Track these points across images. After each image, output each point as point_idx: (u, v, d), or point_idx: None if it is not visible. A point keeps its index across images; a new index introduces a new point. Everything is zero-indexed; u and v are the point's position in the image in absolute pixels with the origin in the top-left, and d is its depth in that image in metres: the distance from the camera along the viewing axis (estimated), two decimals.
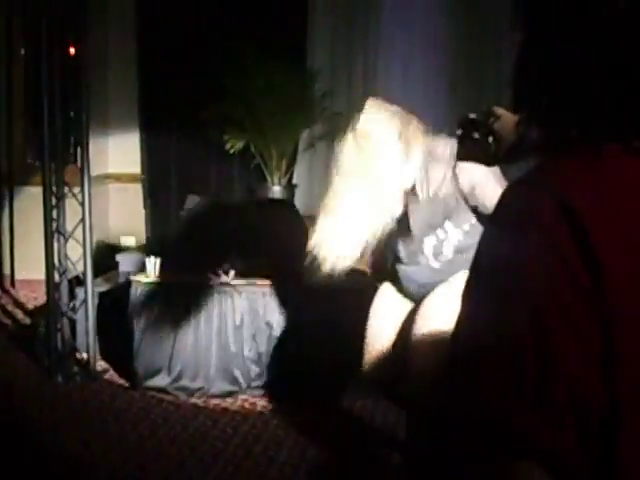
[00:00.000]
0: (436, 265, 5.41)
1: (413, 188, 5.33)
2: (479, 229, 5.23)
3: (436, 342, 5.14)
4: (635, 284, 1.29)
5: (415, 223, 5.35)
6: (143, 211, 10.55)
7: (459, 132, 2.64)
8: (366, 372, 5.75)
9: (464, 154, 2.65)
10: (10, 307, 9.49)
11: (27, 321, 8.93)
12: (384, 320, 5.65)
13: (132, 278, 7.33)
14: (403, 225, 5.37)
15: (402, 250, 5.49)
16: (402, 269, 5.55)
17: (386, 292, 5.71)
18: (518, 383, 1.28)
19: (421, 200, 5.31)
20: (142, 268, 7.36)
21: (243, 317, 6.93)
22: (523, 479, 1.29)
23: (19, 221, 10.22)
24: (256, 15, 9.91)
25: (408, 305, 5.58)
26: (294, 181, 9.98)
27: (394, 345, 5.57)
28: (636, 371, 1.27)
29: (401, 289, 5.59)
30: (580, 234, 1.29)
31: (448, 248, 5.37)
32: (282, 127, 9.74)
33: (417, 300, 5.48)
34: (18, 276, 10.18)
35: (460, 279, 5.27)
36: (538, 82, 1.52)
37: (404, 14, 10.44)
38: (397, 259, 5.57)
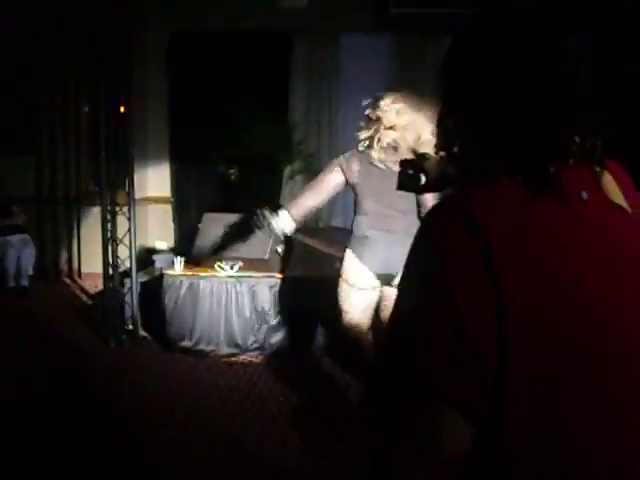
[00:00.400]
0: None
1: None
2: None
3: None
4: (518, 276, 1.27)
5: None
6: (172, 224, 10.57)
7: (399, 169, 2.63)
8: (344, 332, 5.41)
9: (402, 185, 2.66)
10: (77, 292, 9.50)
11: (89, 302, 8.94)
12: (354, 291, 5.21)
13: (164, 272, 7.38)
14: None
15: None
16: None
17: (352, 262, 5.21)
18: (437, 349, 1.26)
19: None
20: (172, 265, 7.42)
21: (244, 299, 6.99)
22: (441, 419, 1.28)
23: (85, 231, 10.26)
24: (252, 82, 9.90)
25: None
26: (280, 202, 10.01)
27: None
28: (520, 335, 1.25)
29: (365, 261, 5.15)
30: (483, 243, 1.27)
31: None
32: (270, 164, 9.80)
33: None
34: (84, 270, 10.20)
35: None
36: (450, 134, 1.48)
37: (359, 82, 10.45)
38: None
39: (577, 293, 1.31)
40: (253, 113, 9.59)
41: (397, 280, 4.47)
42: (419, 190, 2.57)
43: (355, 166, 5.18)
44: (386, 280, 5.10)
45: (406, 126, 5.04)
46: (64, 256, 10.52)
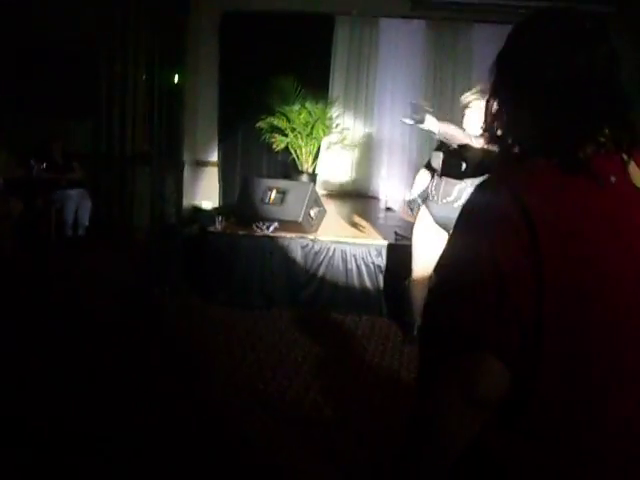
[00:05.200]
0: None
1: None
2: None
3: None
4: (555, 246, 1.37)
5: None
6: (217, 186, 10.55)
7: (443, 158, 2.65)
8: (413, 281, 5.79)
9: (446, 172, 2.66)
10: (127, 244, 9.44)
11: (137, 254, 8.91)
12: (424, 241, 5.61)
13: (208, 229, 7.33)
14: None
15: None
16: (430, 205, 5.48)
17: (424, 216, 5.61)
18: (484, 304, 1.38)
19: None
20: (215, 223, 7.39)
21: (276, 256, 6.94)
22: (482, 365, 1.39)
23: (137, 188, 10.22)
24: (296, 59, 9.91)
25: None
26: (316, 171, 9.98)
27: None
28: (555, 298, 1.37)
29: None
30: (526, 216, 1.37)
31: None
32: (310, 135, 9.78)
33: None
34: (134, 224, 10.20)
35: None
36: (495, 117, 1.61)
37: (394, 63, 10.41)
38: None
39: (601, 264, 1.42)
40: (296, 88, 9.61)
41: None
42: (460, 176, 2.56)
43: None
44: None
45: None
46: (117, 210, 10.55)
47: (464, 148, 2.48)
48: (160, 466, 3.97)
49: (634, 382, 1.48)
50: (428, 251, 5.53)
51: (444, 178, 5.21)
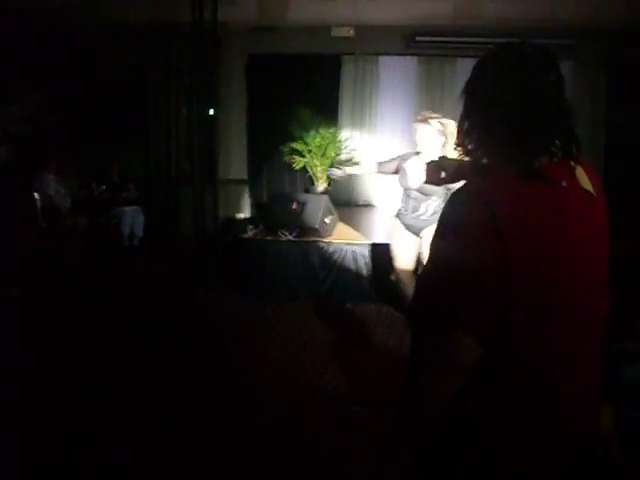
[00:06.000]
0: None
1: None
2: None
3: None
4: (517, 239, 1.45)
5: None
6: (249, 200, 10.63)
7: (425, 167, 2.68)
8: (394, 281, 6.00)
9: (429, 179, 2.69)
10: (175, 251, 9.48)
11: (185, 259, 8.92)
12: (401, 245, 5.75)
13: (241, 236, 7.36)
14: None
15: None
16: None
17: (396, 226, 5.76)
18: (460, 291, 1.46)
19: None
20: (247, 231, 7.42)
21: (298, 258, 7.00)
22: (457, 339, 1.47)
23: (181, 204, 10.38)
24: (311, 93, 9.98)
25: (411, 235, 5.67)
26: (330, 186, 10.01)
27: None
28: (519, 281, 1.46)
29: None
30: (496, 222, 1.44)
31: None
32: (324, 155, 9.82)
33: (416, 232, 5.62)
34: (181, 234, 10.25)
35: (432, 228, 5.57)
36: (466, 136, 1.66)
37: (393, 94, 10.43)
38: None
39: (556, 249, 1.50)
40: (311, 117, 9.66)
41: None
42: (440, 182, 2.60)
43: None
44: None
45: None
46: (166, 223, 10.61)
47: (443, 158, 2.51)
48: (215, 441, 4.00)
49: (584, 346, 1.62)
50: (404, 252, 5.74)
51: (412, 196, 5.51)
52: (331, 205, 7.28)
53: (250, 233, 7.33)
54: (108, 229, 9.36)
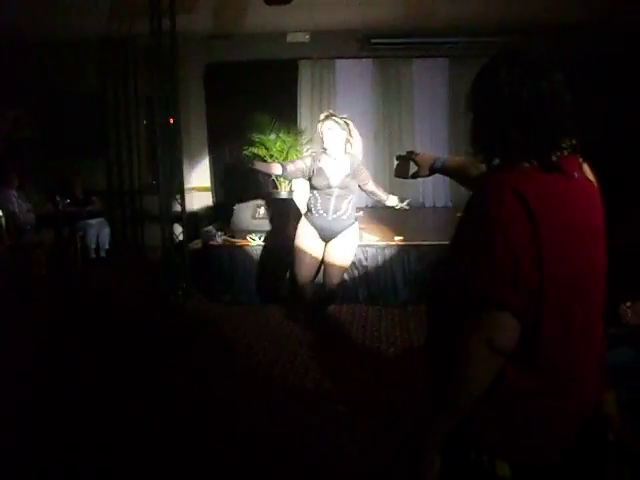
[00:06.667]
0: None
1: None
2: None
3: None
4: (548, 225, 1.54)
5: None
6: (213, 206, 10.64)
7: (396, 162, 2.66)
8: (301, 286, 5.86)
9: (398, 173, 2.69)
10: (142, 261, 9.46)
11: (152, 269, 8.87)
12: (307, 250, 5.68)
13: (209, 243, 7.35)
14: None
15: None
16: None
17: (305, 228, 5.68)
18: (501, 275, 1.53)
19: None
20: (214, 238, 7.40)
21: (266, 261, 7.03)
22: (501, 322, 1.55)
23: (146, 214, 10.33)
24: (269, 98, 9.98)
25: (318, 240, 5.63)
26: (292, 189, 10.01)
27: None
28: (550, 264, 1.55)
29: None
30: (526, 205, 1.53)
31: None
32: (285, 159, 9.80)
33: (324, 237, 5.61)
34: (146, 244, 10.19)
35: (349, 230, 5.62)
36: (478, 135, 1.74)
37: (350, 95, 10.48)
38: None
39: (577, 233, 1.61)
40: (270, 121, 9.65)
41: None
42: (414, 176, 2.61)
43: None
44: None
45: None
46: (131, 234, 10.56)
47: (411, 152, 2.53)
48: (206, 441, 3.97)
49: (597, 327, 1.73)
50: (309, 258, 5.68)
51: (333, 194, 5.46)
52: (297, 208, 7.30)
53: (219, 239, 7.32)
54: (74, 242, 9.27)
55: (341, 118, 5.50)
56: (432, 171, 2.54)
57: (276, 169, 5.80)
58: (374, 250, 6.95)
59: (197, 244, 7.87)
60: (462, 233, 1.68)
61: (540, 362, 1.60)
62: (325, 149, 5.56)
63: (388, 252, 6.96)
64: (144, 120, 10.35)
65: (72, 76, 9.83)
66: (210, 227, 8.18)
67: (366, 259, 6.92)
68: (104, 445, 3.86)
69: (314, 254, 5.67)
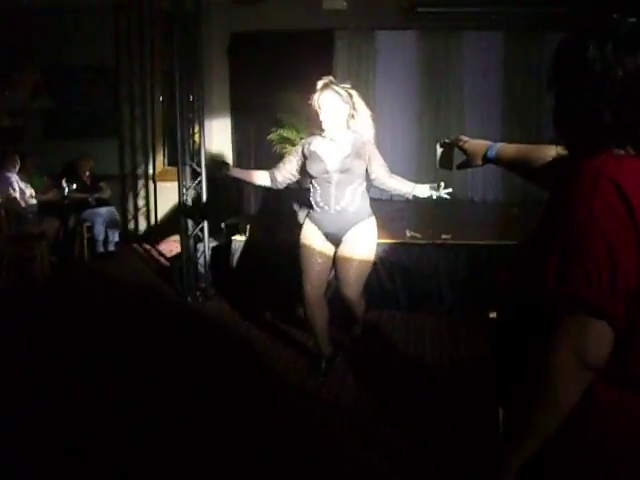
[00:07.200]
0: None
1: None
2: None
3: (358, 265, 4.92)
4: None
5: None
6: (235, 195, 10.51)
7: (439, 149, 2.58)
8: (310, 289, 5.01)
9: (442, 163, 2.58)
10: (156, 256, 9.38)
11: (166, 265, 8.80)
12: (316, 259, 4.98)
13: (232, 238, 7.28)
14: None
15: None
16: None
17: (310, 231, 5.00)
18: (598, 280, 1.46)
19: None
20: (237, 232, 7.34)
21: (281, 254, 6.85)
22: (595, 332, 1.49)
23: (160, 204, 10.33)
24: (300, 72, 9.82)
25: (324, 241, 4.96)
26: None
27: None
28: None
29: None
30: (624, 196, 1.46)
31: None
32: None
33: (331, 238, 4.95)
34: (160, 237, 10.13)
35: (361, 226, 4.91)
36: (561, 123, 1.69)
37: (391, 71, 10.33)
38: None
39: None
40: (301, 98, 9.49)
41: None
42: (459, 166, 2.49)
43: None
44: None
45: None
46: (143, 225, 10.52)
47: (459, 140, 2.39)
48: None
49: None
50: (317, 264, 5.00)
51: (333, 181, 4.76)
52: None
53: (246, 234, 7.22)
54: (80, 234, 9.20)
55: (343, 88, 4.84)
56: (485, 160, 2.39)
57: (262, 179, 5.15)
58: (417, 250, 6.73)
59: (218, 238, 7.76)
60: (548, 229, 1.59)
61: (630, 375, 1.54)
62: (320, 130, 4.91)
63: (433, 252, 6.74)
64: (161, 96, 10.24)
65: (81, 46, 9.74)
66: (234, 218, 8.09)
67: (408, 260, 6.71)
68: (109, 446, 4.01)
69: (322, 259, 4.98)
